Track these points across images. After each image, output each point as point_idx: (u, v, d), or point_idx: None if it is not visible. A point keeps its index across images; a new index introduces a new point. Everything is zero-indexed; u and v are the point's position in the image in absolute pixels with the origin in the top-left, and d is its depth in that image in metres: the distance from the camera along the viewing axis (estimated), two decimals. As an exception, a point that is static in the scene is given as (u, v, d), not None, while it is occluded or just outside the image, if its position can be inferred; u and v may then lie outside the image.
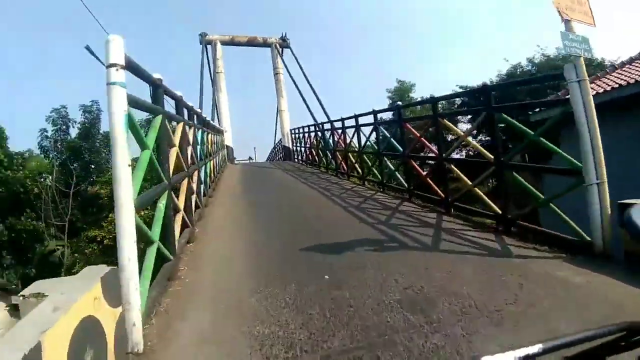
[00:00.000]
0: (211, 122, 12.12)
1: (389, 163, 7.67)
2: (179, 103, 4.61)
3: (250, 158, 38.74)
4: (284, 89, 20.05)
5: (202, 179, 6.39)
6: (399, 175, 7.10)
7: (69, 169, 16.17)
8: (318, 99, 16.15)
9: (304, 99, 16.58)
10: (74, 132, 19.18)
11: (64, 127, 17.44)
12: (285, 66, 19.14)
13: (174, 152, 3.86)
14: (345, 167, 9.98)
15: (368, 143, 8.44)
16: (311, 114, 15.22)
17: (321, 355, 1.96)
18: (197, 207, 5.34)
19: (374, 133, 8.13)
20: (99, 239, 13.37)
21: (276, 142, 25.54)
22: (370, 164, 8.58)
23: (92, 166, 18.01)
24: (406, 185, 6.68)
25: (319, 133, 13.07)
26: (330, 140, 11.41)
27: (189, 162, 4.68)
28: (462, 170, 5.20)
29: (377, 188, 8.01)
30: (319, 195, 7.43)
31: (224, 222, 5.49)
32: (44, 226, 14.97)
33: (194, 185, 5.17)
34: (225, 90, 18.79)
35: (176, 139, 4.08)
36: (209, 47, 20.08)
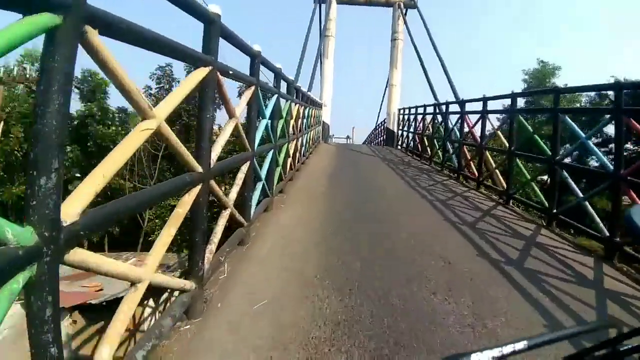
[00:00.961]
0: (307, 93, 10.04)
1: (574, 186, 4.41)
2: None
3: (348, 137, 36.78)
4: (400, 59, 16.78)
5: (268, 169, 4.26)
6: (594, 215, 3.89)
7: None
8: (447, 75, 12.25)
9: (425, 72, 13.00)
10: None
11: (167, 86, 17.53)
12: (409, 31, 15.56)
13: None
14: (475, 172, 6.89)
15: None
16: (432, 91, 11.84)
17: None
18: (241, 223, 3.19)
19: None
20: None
21: (378, 122, 22.70)
22: (528, 176, 5.41)
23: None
24: (607, 233, 3.52)
25: (439, 117, 9.95)
26: (456, 129, 8.29)
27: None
28: None
29: (537, 219, 4.92)
30: (440, 220, 4.70)
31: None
32: (131, 186, 14.58)
33: (231, 195, 3.01)
34: (333, 58, 16.52)
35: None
36: (323, 6, 17.81)
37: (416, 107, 12.43)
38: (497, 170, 6.08)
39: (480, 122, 6.86)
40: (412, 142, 12.85)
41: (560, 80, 25.67)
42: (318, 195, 5.64)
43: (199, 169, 2.07)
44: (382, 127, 20.07)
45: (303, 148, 8.25)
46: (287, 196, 5.31)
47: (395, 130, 16.15)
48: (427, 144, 10.85)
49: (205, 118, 2.17)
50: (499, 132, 6.55)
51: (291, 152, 6.26)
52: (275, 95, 4.68)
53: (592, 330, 0.57)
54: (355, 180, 7.20)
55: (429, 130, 10.71)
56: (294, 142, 6.63)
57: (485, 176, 6.47)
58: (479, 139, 6.78)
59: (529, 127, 5.55)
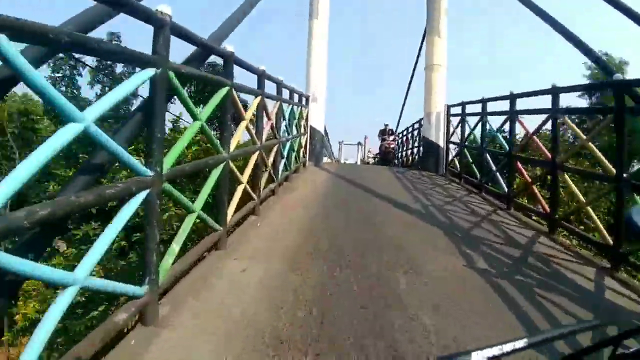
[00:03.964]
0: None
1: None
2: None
3: (359, 144, 29.64)
4: (444, 20, 9.82)
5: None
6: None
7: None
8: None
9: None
10: (85, 81, 13.20)
11: (69, 73, 11.09)
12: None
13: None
14: None
15: None
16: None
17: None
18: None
19: None
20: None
21: (401, 128, 15.69)
22: None
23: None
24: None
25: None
26: None
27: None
28: None
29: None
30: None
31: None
32: None
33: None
34: (327, 20, 9.64)
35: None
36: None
37: (512, 97, 5.41)
38: None
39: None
40: (497, 174, 5.84)
41: (630, 76, 19.55)
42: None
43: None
44: (409, 136, 13.06)
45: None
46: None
47: (442, 142, 9.11)
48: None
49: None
50: None
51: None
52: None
53: (592, 328, 0.59)
54: None
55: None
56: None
57: None
58: None
59: None
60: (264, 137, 4.50)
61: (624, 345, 0.52)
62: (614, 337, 0.52)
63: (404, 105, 16.33)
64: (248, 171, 3.97)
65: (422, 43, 11.16)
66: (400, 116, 17.41)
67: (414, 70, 13.41)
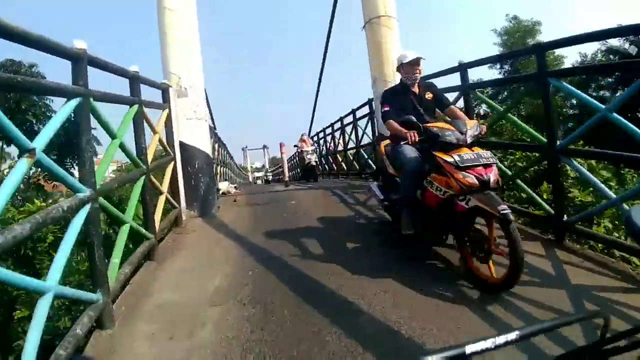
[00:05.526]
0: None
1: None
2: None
3: (265, 148, 25.58)
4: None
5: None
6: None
7: None
8: None
9: None
10: None
11: None
12: None
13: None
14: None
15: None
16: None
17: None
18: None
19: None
20: None
21: (343, 116, 11.96)
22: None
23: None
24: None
25: None
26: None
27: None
28: None
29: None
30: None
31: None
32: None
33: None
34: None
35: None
36: None
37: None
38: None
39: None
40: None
41: (543, 38, 20.18)
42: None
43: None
44: (335, 131, 9.38)
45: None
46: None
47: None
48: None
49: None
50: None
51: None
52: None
53: (581, 320, 0.57)
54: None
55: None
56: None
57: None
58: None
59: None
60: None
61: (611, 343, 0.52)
62: (603, 340, 0.52)
63: (318, 90, 12.55)
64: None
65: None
66: (314, 107, 13.59)
67: (328, 35, 9.62)
